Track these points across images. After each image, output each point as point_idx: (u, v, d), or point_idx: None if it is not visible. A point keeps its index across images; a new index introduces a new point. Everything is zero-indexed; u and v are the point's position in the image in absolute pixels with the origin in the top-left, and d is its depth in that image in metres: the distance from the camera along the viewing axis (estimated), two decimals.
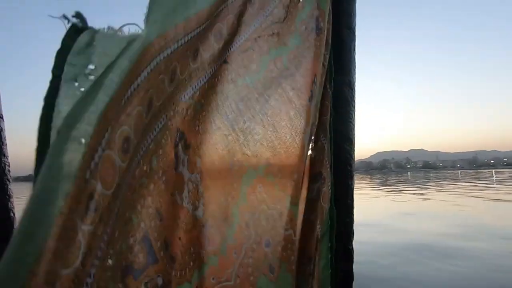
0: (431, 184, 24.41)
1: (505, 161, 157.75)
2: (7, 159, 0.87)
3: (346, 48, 0.75)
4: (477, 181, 24.90)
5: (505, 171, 67.47)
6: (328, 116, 0.73)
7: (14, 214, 0.85)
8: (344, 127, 0.76)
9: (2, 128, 0.89)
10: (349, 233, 0.77)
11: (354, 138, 0.78)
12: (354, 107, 0.77)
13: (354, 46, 0.76)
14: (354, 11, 0.77)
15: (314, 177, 0.74)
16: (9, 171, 0.87)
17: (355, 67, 0.76)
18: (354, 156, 0.79)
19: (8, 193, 0.86)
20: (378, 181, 33.64)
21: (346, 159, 0.77)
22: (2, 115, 0.90)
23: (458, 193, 14.14)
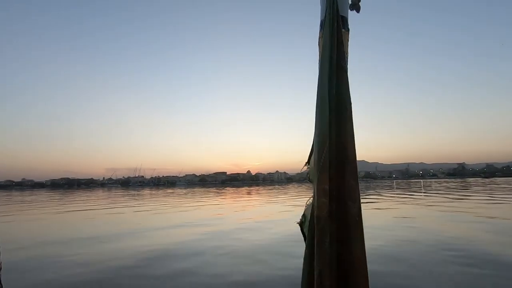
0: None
1: (431, 172, 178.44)
2: None
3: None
4: (404, 193, 27.12)
5: (432, 181, 77.24)
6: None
7: None
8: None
9: None
10: None
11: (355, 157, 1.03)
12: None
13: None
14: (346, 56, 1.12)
15: None
16: None
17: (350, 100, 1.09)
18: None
19: None
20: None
21: None
22: None
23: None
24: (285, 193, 30.61)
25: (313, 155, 1.02)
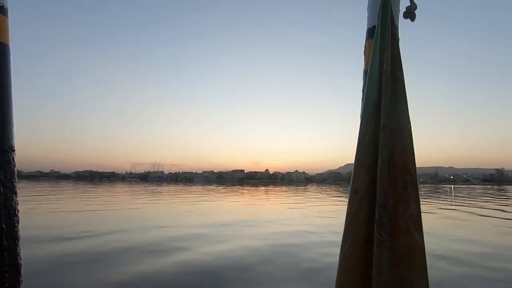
0: None
1: (464, 177, 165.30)
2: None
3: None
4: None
5: (464, 187, 69.52)
6: None
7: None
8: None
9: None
10: None
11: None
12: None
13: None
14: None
15: None
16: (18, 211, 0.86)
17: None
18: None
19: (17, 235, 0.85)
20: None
21: None
22: (13, 146, 0.83)
23: None
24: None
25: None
